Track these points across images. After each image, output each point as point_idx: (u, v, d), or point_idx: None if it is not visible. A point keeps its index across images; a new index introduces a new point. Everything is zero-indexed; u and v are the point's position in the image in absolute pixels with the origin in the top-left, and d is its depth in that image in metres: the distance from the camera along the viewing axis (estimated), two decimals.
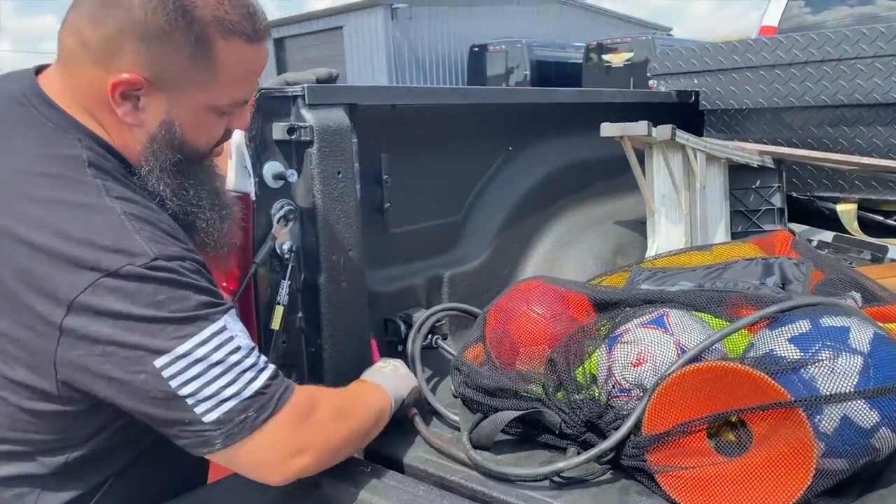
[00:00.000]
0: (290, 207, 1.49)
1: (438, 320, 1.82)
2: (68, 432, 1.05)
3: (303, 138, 1.47)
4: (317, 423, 1.12)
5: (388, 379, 1.42)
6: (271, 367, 1.09)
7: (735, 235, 2.54)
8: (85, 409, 1.03)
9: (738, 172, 2.53)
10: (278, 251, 1.50)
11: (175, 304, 0.98)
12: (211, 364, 0.99)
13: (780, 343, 1.22)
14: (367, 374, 1.45)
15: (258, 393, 1.03)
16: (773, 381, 1.13)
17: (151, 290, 0.97)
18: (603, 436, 1.31)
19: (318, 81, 1.54)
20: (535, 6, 23.73)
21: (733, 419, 1.19)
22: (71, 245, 0.96)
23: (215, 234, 1.20)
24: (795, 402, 1.11)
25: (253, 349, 1.06)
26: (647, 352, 1.30)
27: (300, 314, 1.55)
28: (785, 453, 1.11)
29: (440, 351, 1.78)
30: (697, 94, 2.75)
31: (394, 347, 1.82)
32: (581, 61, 17.19)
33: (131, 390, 0.98)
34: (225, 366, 1.00)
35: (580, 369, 1.38)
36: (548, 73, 18.14)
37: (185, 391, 0.98)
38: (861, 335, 1.21)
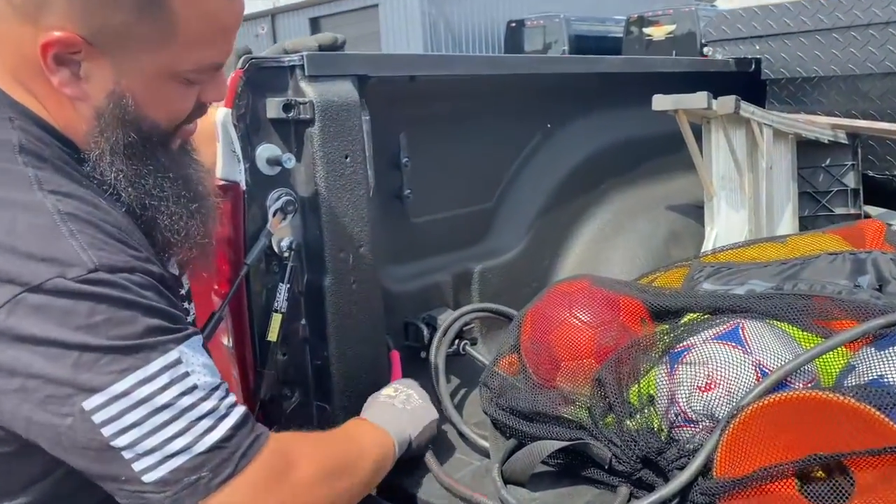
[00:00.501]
0: (288, 198, 1.27)
1: (467, 323, 1.59)
2: None
3: (302, 116, 1.25)
4: (294, 486, 0.90)
5: (395, 417, 1.20)
6: (238, 411, 0.87)
7: (803, 220, 2.26)
8: (13, 452, 0.83)
9: (806, 150, 2.24)
10: (276, 249, 1.28)
11: (115, 329, 0.78)
12: (156, 408, 0.79)
13: (893, 367, 0.97)
14: (371, 408, 1.23)
15: (216, 447, 0.82)
16: (886, 420, 0.88)
17: (86, 309, 0.77)
18: (663, 474, 1.07)
19: (321, 49, 1.31)
20: None
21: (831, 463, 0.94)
22: None
23: (182, 231, 0.97)
24: None
25: (215, 389, 0.85)
26: (718, 374, 1.06)
27: (303, 322, 1.34)
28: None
29: (470, 358, 1.56)
30: (759, 61, 2.46)
31: (416, 354, 1.60)
32: (621, 35, 16.65)
33: (55, 436, 0.78)
34: (174, 410, 0.80)
35: (634, 389, 1.15)
36: (587, 48, 17.60)
37: (120, 442, 0.78)
38: None
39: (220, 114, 1.22)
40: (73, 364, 0.76)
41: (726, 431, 0.99)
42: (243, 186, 1.23)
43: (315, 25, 23.10)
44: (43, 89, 0.87)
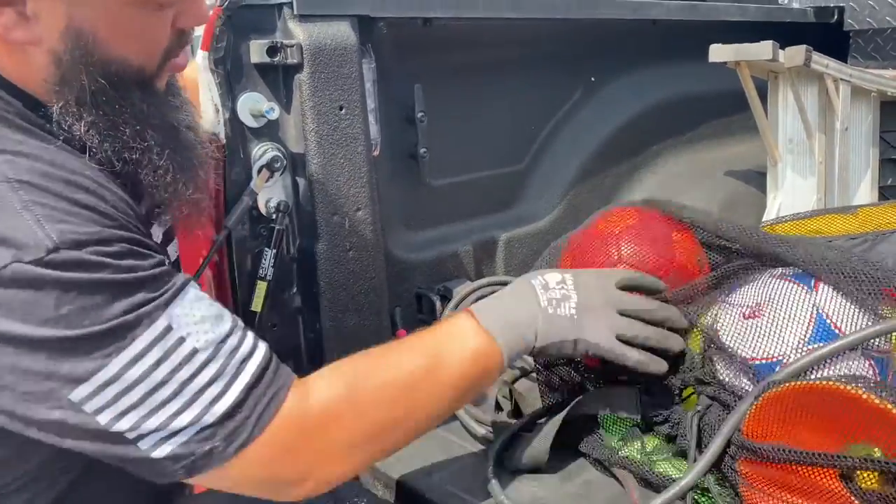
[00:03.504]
0: (275, 153, 1.14)
1: (484, 296, 1.44)
2: None
3: (289, 61, 1.11)
4: (324, 444, 0.77)
5: (526, 319, 0.86)
6: (253, 364, 0.75)
7: (883, 190, 2.00)
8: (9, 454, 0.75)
9: (891, 110, 1.96)
10: (262, 210, 1.16)
11: (89, 317, 0.67)
12: (153, 387, 0.69)
13: None
14: (505, 296, 0.90)
15: (226, 415, 0.72)
16: None
17: (52, 300, 0.65)
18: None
19: None
20: None
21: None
22: None
23: (170, 188, 0.83)
24: None
25: (222, 343, 0.73)
26: (769, 304, 0.88)
27: (294, 291, 1.22)
28: None
29: None
30: (842, 10, 2.18)
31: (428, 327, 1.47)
32: None
33: (46, 428, 0.69)
34: (173, 385, 0.70)
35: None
36: None
37: (121, 426, 0.69)
38: None
39: (197, 57, 1.09)
40: (47, 358, 0.66)
41: (770, 391, 0.81)
42: (223, 139, 1.10)
43: None
44: None
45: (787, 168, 1.77)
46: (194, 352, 0.71)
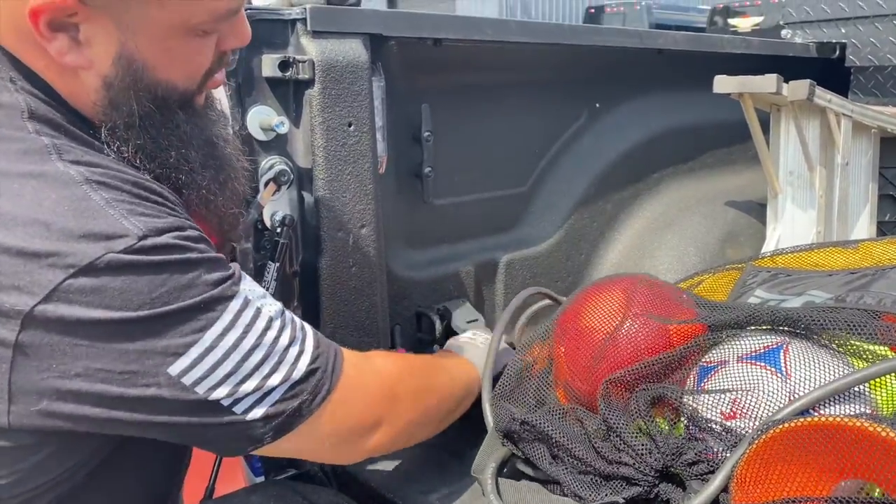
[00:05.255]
0: (283, 167, 1.15)
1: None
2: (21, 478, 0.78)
3: (301, 76, 1.12)
4: (392, 382, 0.94)
5: (478, 354, 1.19)
6: (307, 327, 0.86)
7: (882, 226, 2.02)
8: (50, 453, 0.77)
9: (891, 147, 1.98)
10: (267, 223, 1.16)
11: (181, 294, 0.73)
12: (246, 352, 0.76)
13: None
14: (452, 346, 1.25)
15: (310, 371, 0.82)
16: None
17: (146, 284, 0.71)
18: (678, 483, 0.91)
19: (330, 2, 1.17)
20: None
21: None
22: (16, 234, 0.68)
23: (212, 205, 0.89)
24: None
25: (283, 311, 0.83)
26: (744, 402, 0.89)
27: (295, 304, 1.22)
28: None
29: None
30: (844, 46, 2.20)
31: (428, 347, 1.47)
32: (704, 25, 16.08)
33: (138, 407, 0.73)
34: (263, 349, 0.78)
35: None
36: None
37: (218, 394, 0.75)
38: None
39: None
40: (144, 337, 0.71)
41: (749, 448, 0.82)
42: None
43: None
44: (42, 62, 0.76)
45: (788, 200, 1.78)
46: (271, 320, 0.79)
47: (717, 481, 0.84)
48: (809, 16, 2.27)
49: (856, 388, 0.87)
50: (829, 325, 0.97)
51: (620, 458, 0.93)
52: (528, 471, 1.02)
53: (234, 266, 0.81)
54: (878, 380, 0.88)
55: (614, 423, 0.94)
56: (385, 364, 0.97)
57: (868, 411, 0.88)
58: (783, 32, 2.33)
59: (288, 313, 0.84)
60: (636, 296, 1.03)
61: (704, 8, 17.12)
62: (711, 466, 0.89)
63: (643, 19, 17.03)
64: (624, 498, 0.91)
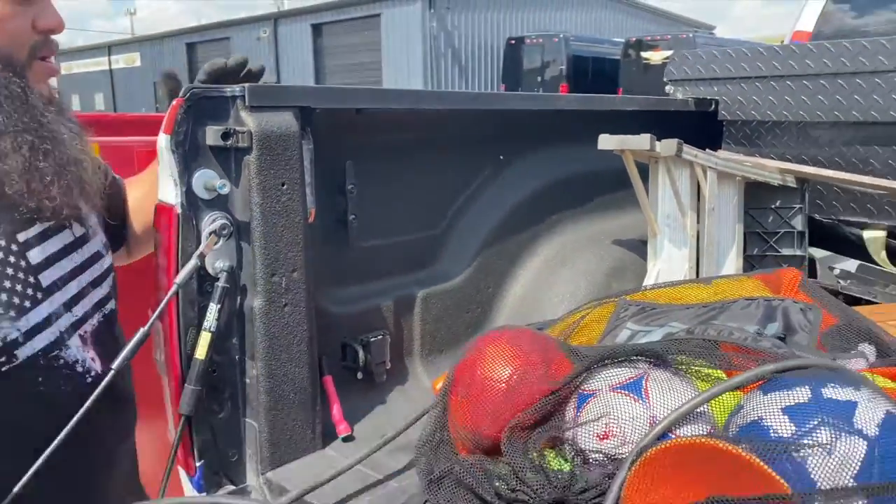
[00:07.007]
0: (224, 221, 1.33)
1: None
2: None
3: (240, 144, 1.31)
4: None
5: None
6: None
7: (750, 259, 2.32)
8: None
9: (756, 190, 2.30)
10: (210, 270, 1.34)
11: None
12: None
13: (772, 412, 1.03)
14: None
15: None
16: (766, 467, 0.94)
17: None
18: None
19: (227, 70, 1.35)
20: None
21: None
22: None
23: (34, 184, 1.03)
24: (793, 496, 0.91)
25: None
26: (614, 425, 1.11)
27: (234, 341, 1.39)
28: None
29: None
30: (717, 102, 2.53)
31: (353, 375, 1.66)
32: (619, 57, 16.84)
33: None
34: None
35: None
36: (585, 68, 17.80)
37: None
38: (869, 414, 1.01)
39: (160, 139, 1.27)
40: None
41: (628, 472, 1.04)
42: (178, 210, 1.28)
43: (317, 32, 23.22)
44: None
45: (665, 240, 2.06)
46: None
47: (609, 502, 1.03)
48: (688, 75, 2.59)
49: (699, 409, 1.11)
50: (679, 353, 1.22)
51: (517, 496, 1.09)
52: None
53: None
54: (715, 399, 1.12)
55: (515, 465, 1.14)
56: None
57: (709, 428, 1.12)
58: (667, 88, 2.65)
59: None
60: (522, 345, 1.24)
61: (619, 41, 17.97)
62: (599, 492, 1.07)
63: (561, 51, 17.68)
64: None
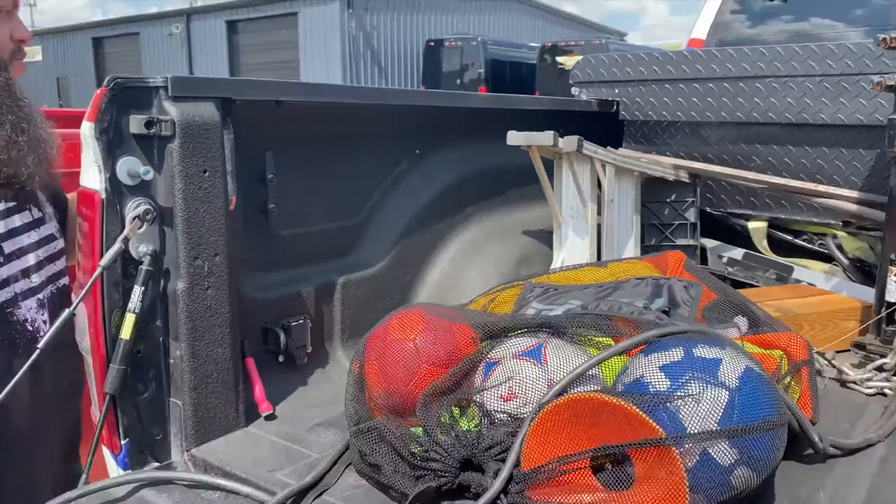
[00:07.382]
0: (147, 207, 1.38)
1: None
2: None
3: (163, 133, 1.36)
4: None
5: None
6: None
7: (647, 248, 2.51)
8: None
9: (653, 185, 2.49)
10: (134, 254, 1.38)
11: None
12: None
13: (651, 370, 1.18)
14: None
15: None
16: (644, 416, 1.07)
17: None
18: (479, 469, 1.21)
19: None
20: (494, 3, 23.75)
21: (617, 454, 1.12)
22: None
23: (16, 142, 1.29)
24: (666, 439, 1.05)
25: None
26: (517, 387, 1.23)
27: (158, 322, 1.44)
28: (661, 491, 1.05)
29: None
30: (618, 104, 2.71)
31: (274, 358, 1.72)
32: (535, 62, 17.26)
33: None
34: None
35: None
36: (502, 71, 18.15)
37: None
38: (731, 368, 1.17)
39: (84, 126, 1.31)
40: None
41: (528, 428, 1.16)
42: (102, 195, 1.33)
43: (233, 29, 22.78)
44: None
45: (569, 230, 2.21)
46: None
47: (512, 456, 1.14)
48: (592, 77, 2.76)
49: (591, 372, 1.24)
50: (575, 325, 1.36)
51: (430, 455, 1.19)
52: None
53: None
54: (605, 363, 1.26)
55: (429, 427, 1.24)
56: None
57: (599, 388, 1.25)
58: (573, 90, 2.82)
59: None
60: (426, 312, 1.35)
61: (535, 45, 18.42)
62: (503, 448, 1.18)
63: (479, 54, 17.97)
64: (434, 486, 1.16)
